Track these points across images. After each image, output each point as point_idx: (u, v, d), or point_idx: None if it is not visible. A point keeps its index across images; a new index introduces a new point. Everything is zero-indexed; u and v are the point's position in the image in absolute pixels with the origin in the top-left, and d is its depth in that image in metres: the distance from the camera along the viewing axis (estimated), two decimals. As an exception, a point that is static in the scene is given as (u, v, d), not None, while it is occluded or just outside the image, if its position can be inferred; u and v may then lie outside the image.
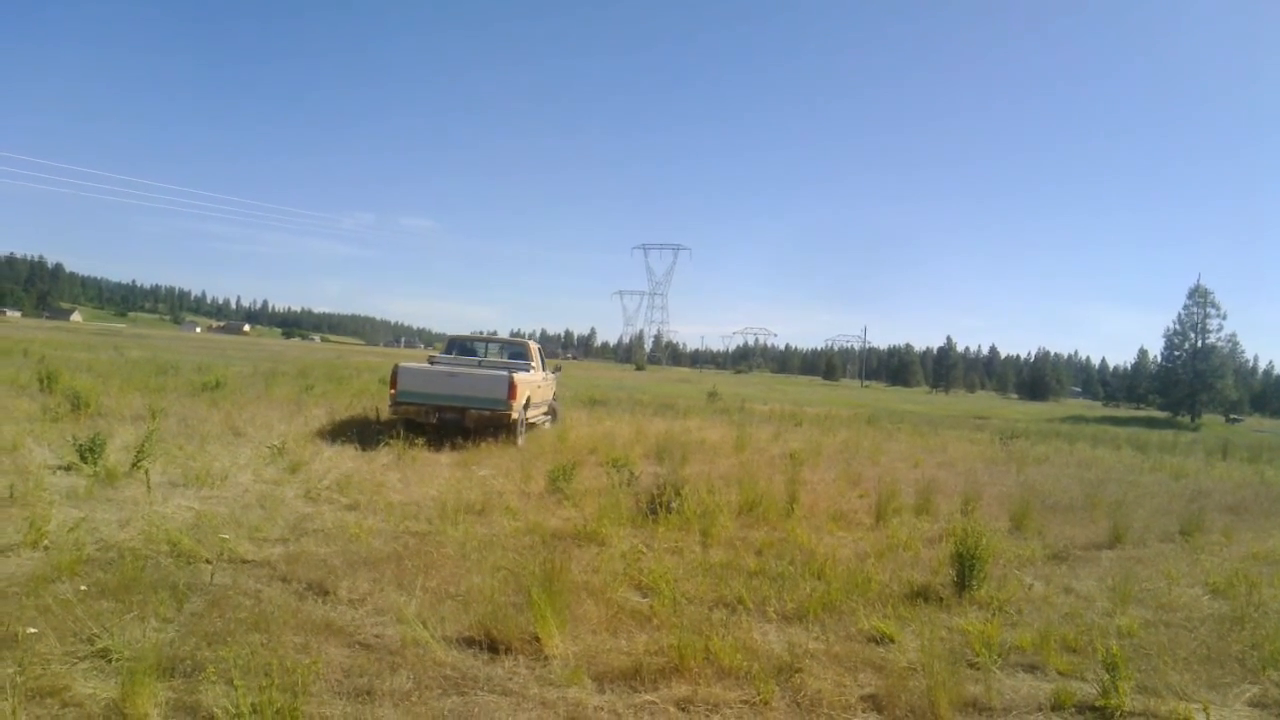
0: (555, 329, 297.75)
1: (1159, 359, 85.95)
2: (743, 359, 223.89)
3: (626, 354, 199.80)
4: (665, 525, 8.35)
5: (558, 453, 12.98)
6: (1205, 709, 4.50)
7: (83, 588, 5.18)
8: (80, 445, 8.94)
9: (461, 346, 17.06)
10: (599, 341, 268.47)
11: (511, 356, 16.48)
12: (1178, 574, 7.85)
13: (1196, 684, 5.03)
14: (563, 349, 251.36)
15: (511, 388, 13.16)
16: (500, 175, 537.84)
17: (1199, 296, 78.42)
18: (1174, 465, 19.72)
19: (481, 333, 19.97)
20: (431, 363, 16.90)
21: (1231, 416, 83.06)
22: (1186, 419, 74.58)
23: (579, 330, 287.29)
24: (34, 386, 16.16)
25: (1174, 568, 8.10)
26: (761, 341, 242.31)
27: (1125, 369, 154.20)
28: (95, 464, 8.72)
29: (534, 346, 16.97)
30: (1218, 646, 5.77)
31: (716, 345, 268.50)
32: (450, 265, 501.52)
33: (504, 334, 19.10)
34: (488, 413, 13.22)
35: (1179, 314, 79.68)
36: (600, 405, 26.65)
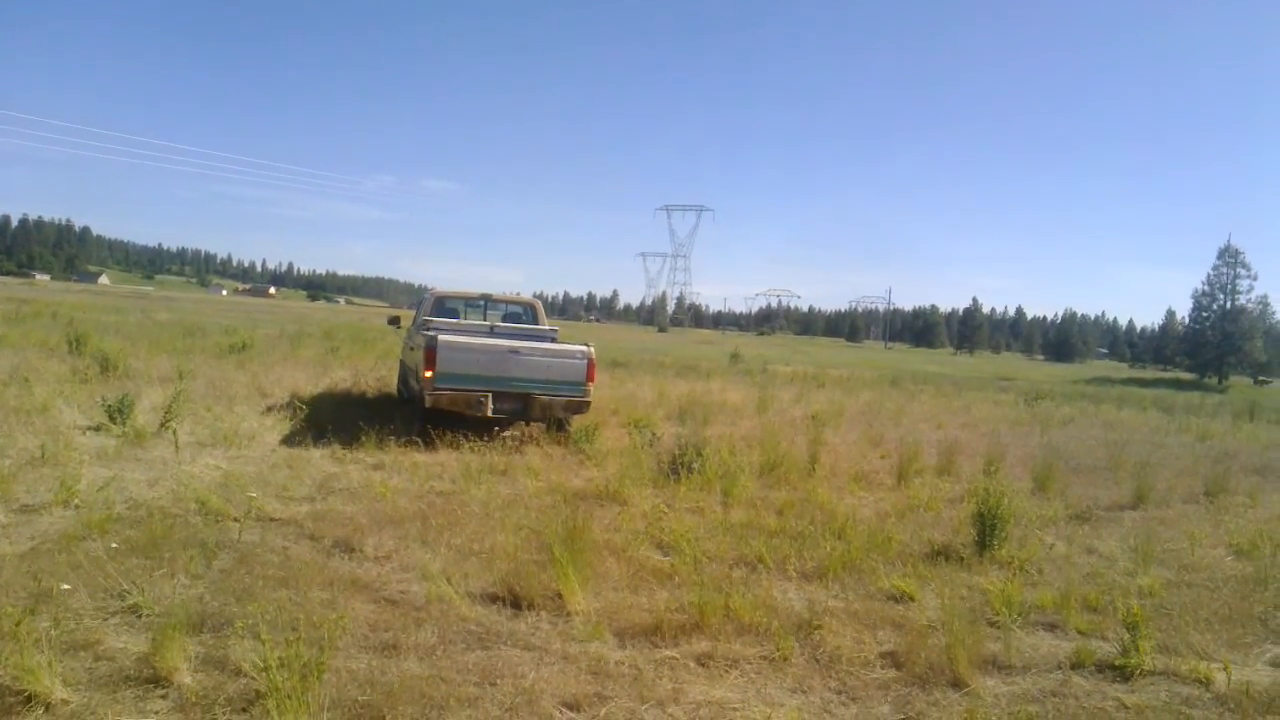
0: (577, 291, 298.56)
1: (1187, 320, 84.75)
2: (765, 321, 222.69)
3: (649, 316, 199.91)
4: (687, 485, 8.38)
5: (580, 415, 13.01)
6: (1226, 668, 4.50)
7: (113, 545, 5.28)
8: (109, 406, 9.06)
9: (447, 307, 13.17)
10: (621, 304, 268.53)
11: (507, 318, 13.30)
12: (1201, 535, 7.80)
13: (1218, 644, 5.03)
14: (585, 311, 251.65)
15: (590, 367, 10.65)
16: (521, 136, 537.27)
17: (1229, 256, 76.81)
18: (1200, 427, 19.52)
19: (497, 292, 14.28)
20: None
21: (1260, 378, 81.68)
22: (1214, 381, 73.49)
23: (601, 293, 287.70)
24: (63, 349, 16.32)
25: (1197, 529, 8.05)
26: (784, 303, 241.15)
27: (1153, 330, 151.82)
28: (124, 424, 8.85)
29: (540, 307, 13.62)
30: (1240, 607, 5.75)
31: (739, 307, 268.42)
32: (472, 227, 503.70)
33: (527, 296, 14.84)
34: (561, 399, 10.52)
35: (1208, 274, 78.02)
36: (622, 367, 26.69)
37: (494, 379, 10.19)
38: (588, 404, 10.81)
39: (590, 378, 10.65)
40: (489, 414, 10.12)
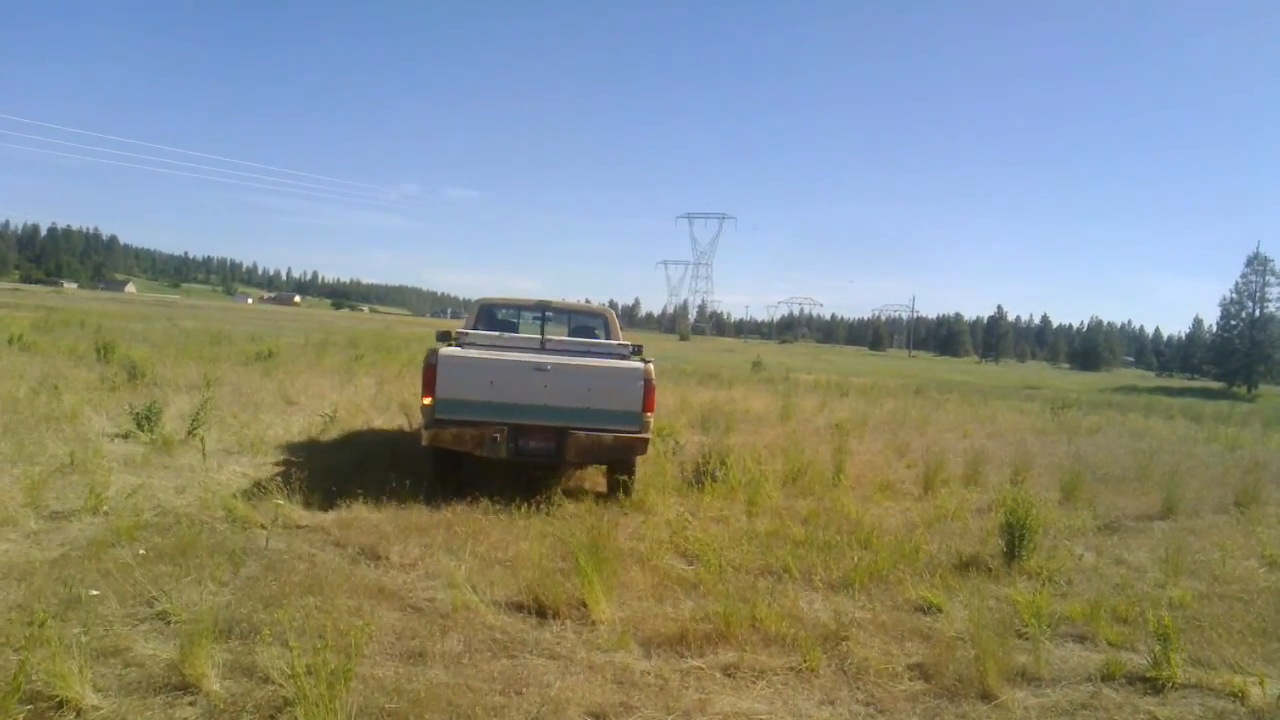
0: (599, 299, 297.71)
1: (1215, 328, 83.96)
2: (788, 329, 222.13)
3: (670, 324, 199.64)
4: (711, 494, 8.35)
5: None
6: (1261, 682, 4.42)
7: (141, 552, 5.31)
8: (137, 413, 9.14)
9: (497, 318, 10.24)
10: (643, 312, 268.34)
11: (575, 332, 10.40)
12: (1232, 546, 7.69)
13: (1251, 657, 4.94)
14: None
15: (648, 391, 7.75)
16: (543, 145, 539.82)
17: (1258, 264, 76.16)
18: (1229, 436, 19.29)
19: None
20: (441, 340, 8.73)
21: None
22: (1242, 390, 72.77)
23: (623, 300, 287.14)
24: (91, 356, 16.54)
25: (1229, 540, 7.94)
26: (807, 311, 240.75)
27: (1180, 339, 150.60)
28: (152, 432, 8.92)
29: (614, 318, 10.57)
30: (1275, 620, 5.66)
31: (761, 315, 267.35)
32: (494, 235, 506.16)
33: (596, 304, 12.22)
34: (608, 436, 7.65)
35: (1236, 282, 77.51)
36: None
37: (512, 407, 7.58)
38: (645, 443, 7.89)
39: (649, 405, 7.78)
40: (503, 456, 7.59)
